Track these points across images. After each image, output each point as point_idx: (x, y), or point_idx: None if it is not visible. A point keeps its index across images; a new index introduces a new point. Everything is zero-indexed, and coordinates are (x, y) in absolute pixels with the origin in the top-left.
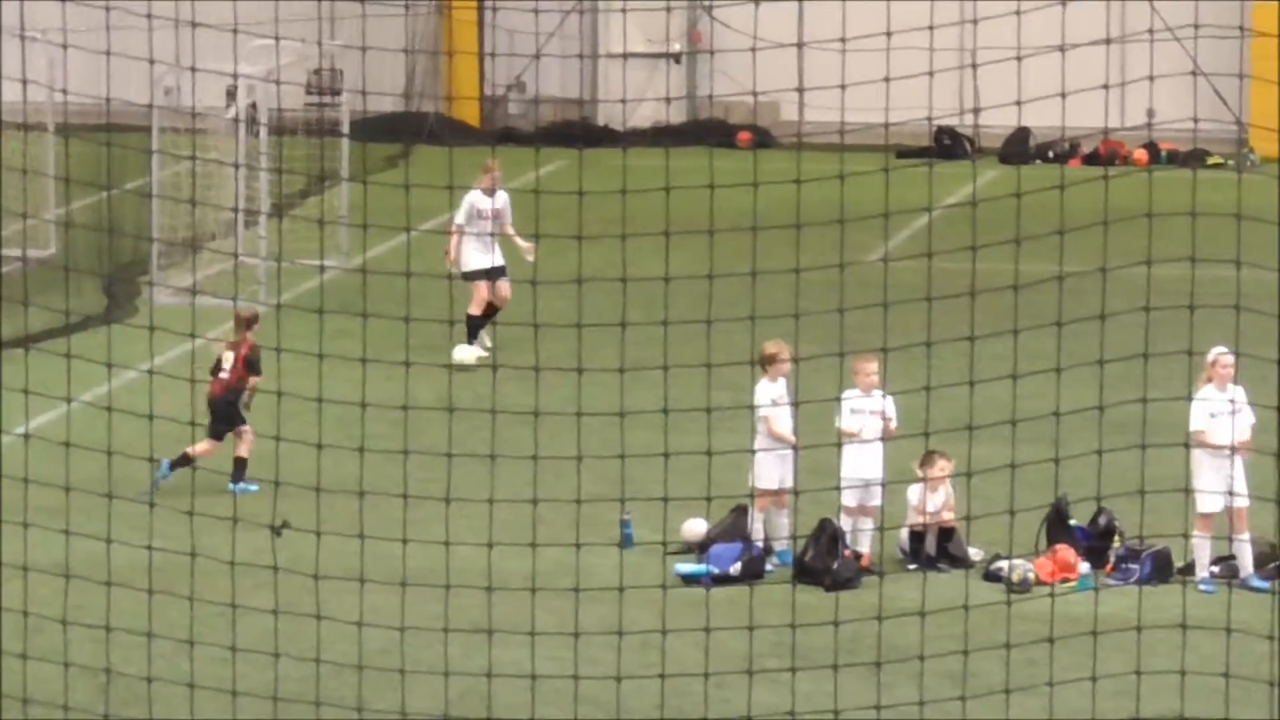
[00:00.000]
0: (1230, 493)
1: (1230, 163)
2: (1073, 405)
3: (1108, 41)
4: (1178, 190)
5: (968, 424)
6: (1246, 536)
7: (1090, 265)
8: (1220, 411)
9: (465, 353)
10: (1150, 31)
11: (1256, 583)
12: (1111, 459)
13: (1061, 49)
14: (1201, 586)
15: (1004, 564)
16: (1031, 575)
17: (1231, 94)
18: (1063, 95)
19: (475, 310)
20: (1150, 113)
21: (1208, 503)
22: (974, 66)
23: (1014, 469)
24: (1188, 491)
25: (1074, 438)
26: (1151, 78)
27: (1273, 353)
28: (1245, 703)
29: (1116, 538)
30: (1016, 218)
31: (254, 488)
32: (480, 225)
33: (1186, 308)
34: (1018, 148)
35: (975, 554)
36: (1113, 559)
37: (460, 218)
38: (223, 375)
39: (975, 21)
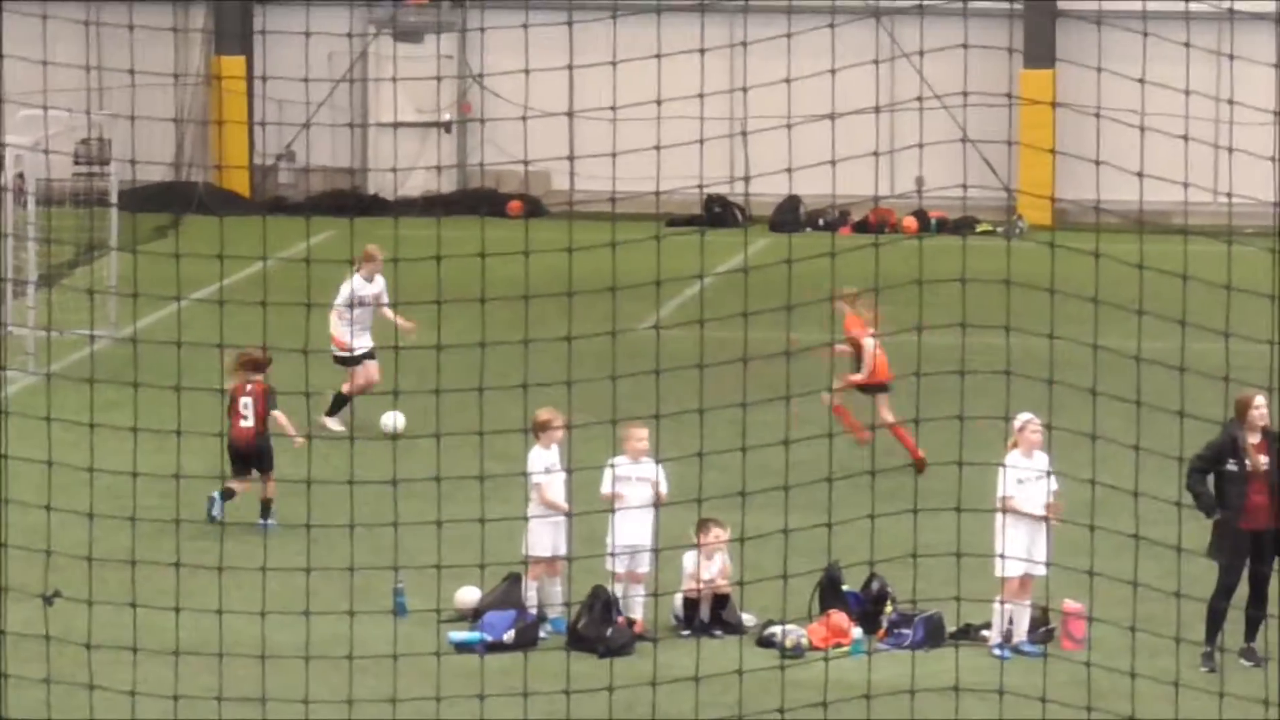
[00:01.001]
0: (1032, 559)
1: (1000, 230)
2: (844, 471)
3: (877, 110)
4: (947, 258)
5: (740, 490)
6: (1028, 603)
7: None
8: (1027, 478)
9: (332, 424)
10: (919, 99)
11: (1028, 647)
12: (883, 524)
13: (831, 117)
14: (995, 651)
15: (777, 630)
16: (805, 641)
17: (1000, 161)
18: (833, 163)
19: (346, 389)
20: (919, 180)
21: (1011, 568)
22: (744, 134)
23: (786, 534)
24: (989, 556)
25: (845, 503)
26: (921, 145)
27: (1041, 418)
28: None
29: (889, 603)
30: (788, 286)
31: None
32: (359, 310)
33: (957, 373)
34: (788, 216)
35: (749, 620)
36: (885, 624)
37: (339, 301)
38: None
39: (745, 90)
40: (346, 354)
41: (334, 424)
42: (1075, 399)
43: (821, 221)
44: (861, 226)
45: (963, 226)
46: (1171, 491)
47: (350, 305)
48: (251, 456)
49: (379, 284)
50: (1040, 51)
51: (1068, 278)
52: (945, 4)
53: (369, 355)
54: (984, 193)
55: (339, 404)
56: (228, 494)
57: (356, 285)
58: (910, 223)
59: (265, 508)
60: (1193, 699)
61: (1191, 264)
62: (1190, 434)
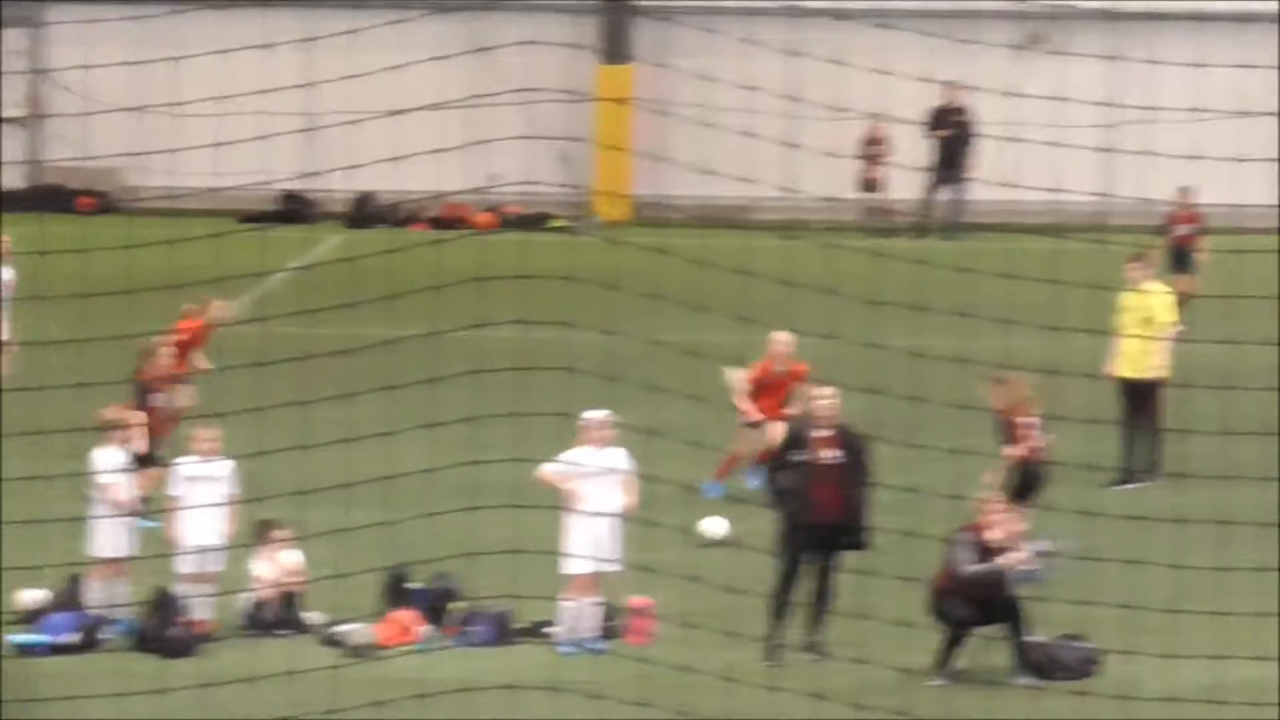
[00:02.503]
0: (599, 558)
1: (577, 225)
2: (408, 468)
3: (437, 106)
4: (516, 253)
5: (303, 489)
6: (597, 599)
7: (425, 328)
8: (594, 474)
9: None
10: (488, 95)
11: (594, 643)
12: (450, 521)
13: (397, 112)
14: (561, 648)
15: (344, 628)
16: (372, 639)
17: (575, 158)
18: (398, 158)
19: None
20: (492, 176)
21: (579, 565)
22: (317, 129)
23: (349, 532)
24: (552, 555)
25: (410, 501)
26: (490, 141)
27: (588, 413)
28: None
29: (456, 600)
30: (351, 282)
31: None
32: None
33: (518, 370)
34: (361, 212)
35: (316, 619)
36: (453, 621)
37: None
38: None
39: (314, 84)
40: None
41: None
42: (639, 395)
43: (395, 218)
44: (435, 223)
45: (536, 223)
46: (736, 484)
47: None
48: None
49: (9, 272)
50: (617, 48)
51: (635, 273)
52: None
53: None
54: (558, 189)
55: None
56: None
57: None
58: (483, 218)
59: None
60: (748, 694)
61: (758, 259)
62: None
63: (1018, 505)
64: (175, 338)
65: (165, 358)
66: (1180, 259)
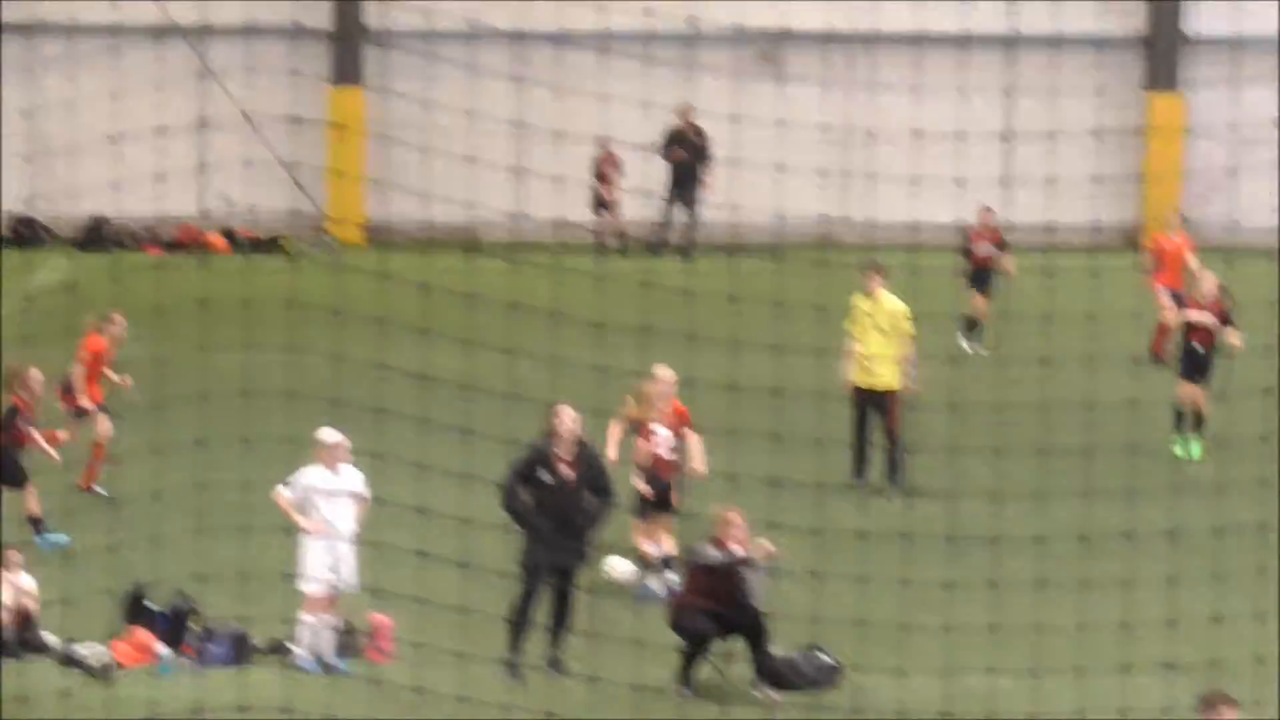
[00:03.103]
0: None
1: (312, 248)
2: (136, 490)
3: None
4: (246, 277)
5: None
6: (336, 618)
7: (149, 352)
8: (329, 493)
9: None
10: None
11: (334, 661)
12: (179, 542)
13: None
14: (303, 665)
15: (83, 649)
16: (111, 659)
17: (313, 185)
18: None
19: None
20: (226, 199)
21: (316, 583)
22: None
23: (77, 556)
24: (291, 576)
25: (136, 522)
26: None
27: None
28: None
29: (194, 619)
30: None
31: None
32: None
33: (242, 394)
34: (94, 235)
35: (51, 640)
36: (191, 640)
37: None
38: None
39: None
40: None
41: None
42: (362, 417)
43: (127, 241)
44: (172, 245)
45: (273, 246)
46: (466, 506)
47: None
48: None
49: None
50: (347, 71)
51: (363, 297)
52: (255, 24)
53: None
54: (294, 212)
55: None
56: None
57: None
58: (218, 241)
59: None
60: (482, 711)
61: (485, 281)
62: (483, 451)
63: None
64: (83, 358)
65: (77, 379)
66: (980, 279)
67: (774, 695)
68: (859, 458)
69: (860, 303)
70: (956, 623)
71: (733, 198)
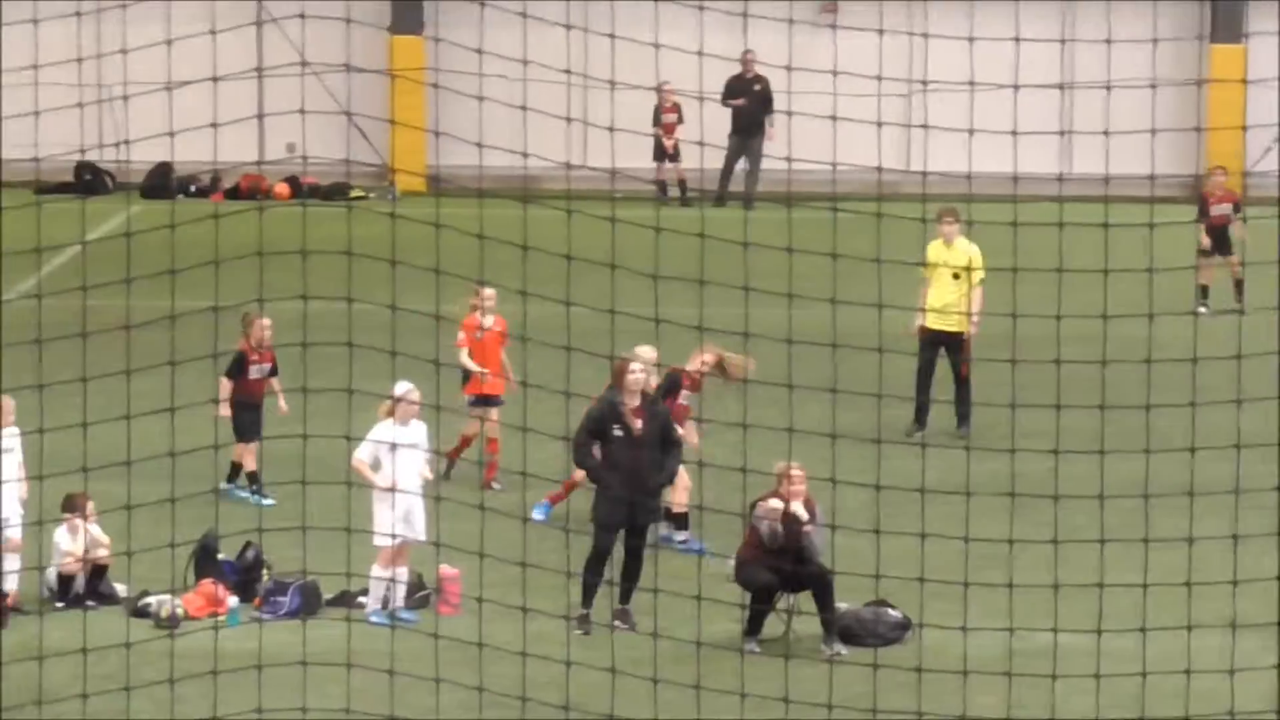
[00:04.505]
0: (396, 535)
1: (373, 195)
2: (191, 444)
3: (212, 78)
4: (329, 224)
5: (124, 460)
6: (405, 571)
7: (207, 302)
8: (401, 446)
9: None
10: (281, 66)
11: (405, 614)
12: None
13: (166, 83)
14: (373, 619)
15: (153, 600)
16: (180, 610)
17: (374, 132)
18: (213, 127)
19: None
20: (290, 147)
21: (383, 538)
22: (124, 99)
23: (173, 504)
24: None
25: (192, 476)
26: (284, 113)
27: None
28: None
29: (265, 571)
30: (171, 251)
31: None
32: None
33: (345, 345)
34: (159, 181)
35: (123, 590)
36: (261, 592)
37: None
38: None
39: (126, 52)
40: None
41: None
42: (424, 368)
43: (193, 188)
44: (233, 193)
45: (336, 193)
46: (526, 461)
47: None
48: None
49: None
50: (407, 20)
51: (420, 245)
52: None
53: None
54: (357, 160)
55: None
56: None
57: None
58: (283, 189)
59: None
60: (543, 667)
61: (541, 230)
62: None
63: None
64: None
65: None
66: (1220, 239)
67: (841, 650)
68: (922, 406)
69: (935, 248)
70: (1019, 580)
71: (791, 148)
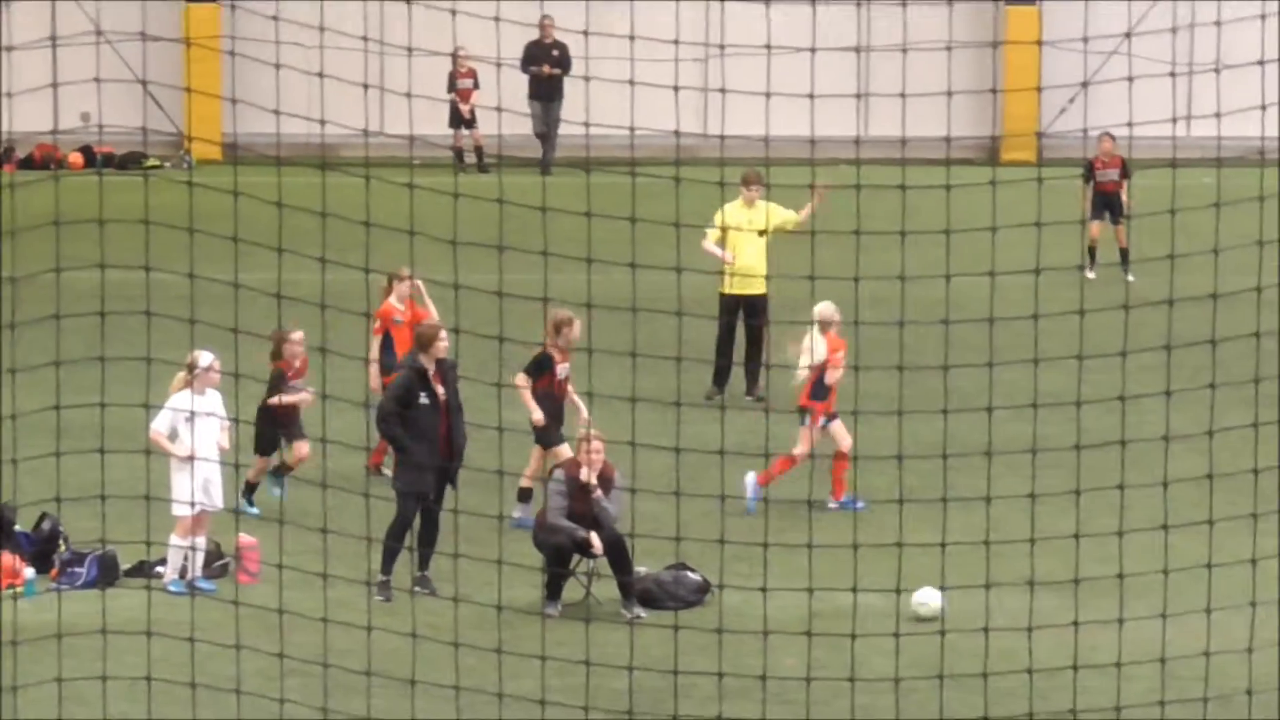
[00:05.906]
0: (194, 504)
1: (169, 164)
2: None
3: (6, 47)
4: (99, 194)
5: None
6: (204, 540)
7: (38, 268)
8: (199, 416)
9: None
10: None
11: (203, 583)
12: (38, 464)
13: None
14: (171, 588)
15: None
16: None
17: (170, 101)
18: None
19: None
20: (85, 116)
21: (181, 507)
22: None
23: None
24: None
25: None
26: (97, 80)
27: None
28: (172, 702)
29: (61, 542)
30: None
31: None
32: None
33: (144, 314)
34: None
35: None
36: (58, 563)
37: None
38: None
39: None
40: None
41: None
42: (222, 337)
43: None
44: (26, 163)
45: (131, 161)
46: (327, 427)
47: None
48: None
49: None
50: None
51: (217, 214)
52: None
53: None
54: (153, 129)
55: None
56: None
57: None
58: (76, 159)
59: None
60: (344, 633)
61: (341, 197)
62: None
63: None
64: None
65: None
66: (1107, 204)
67: (641, 613)
68: (722, 369)
69: (735, 212)
70: (819, 541)
71: (589, 113)
